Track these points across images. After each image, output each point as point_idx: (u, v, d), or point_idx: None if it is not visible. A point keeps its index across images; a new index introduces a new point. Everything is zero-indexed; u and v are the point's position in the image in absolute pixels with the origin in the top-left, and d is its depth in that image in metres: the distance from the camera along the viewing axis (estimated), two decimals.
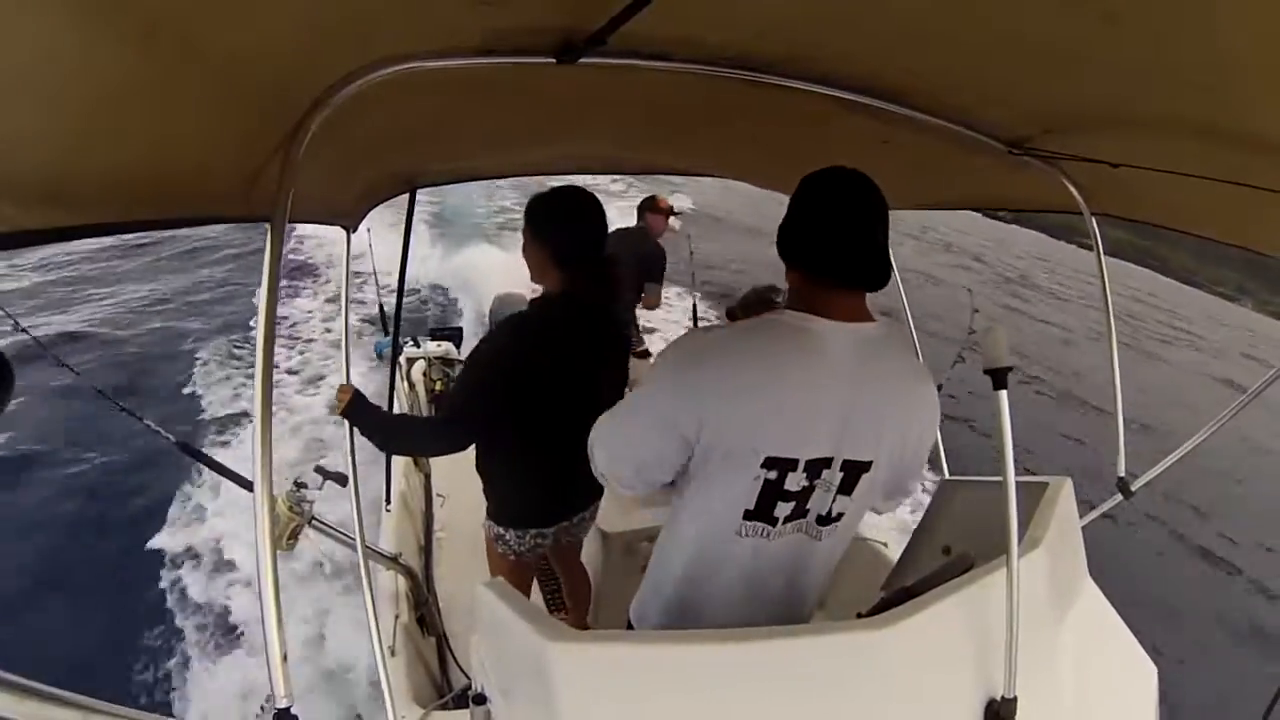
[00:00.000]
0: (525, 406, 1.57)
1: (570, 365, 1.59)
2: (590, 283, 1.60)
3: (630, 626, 1.24)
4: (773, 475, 0.97)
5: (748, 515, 1.01)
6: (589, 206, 1.58)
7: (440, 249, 8.89)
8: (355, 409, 1.56)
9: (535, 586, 2.03)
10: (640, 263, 3.64)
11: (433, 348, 4.34)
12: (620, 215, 3.06)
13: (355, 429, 1.57)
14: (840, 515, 1.06)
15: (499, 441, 1.69)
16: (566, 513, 1.86)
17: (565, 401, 1.59)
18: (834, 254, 0.95)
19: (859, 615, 1.25)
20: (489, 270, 7.28)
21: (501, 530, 1.80)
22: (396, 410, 3.17)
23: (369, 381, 4.71)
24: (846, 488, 1.03)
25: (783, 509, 1.01)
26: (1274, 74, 0.79)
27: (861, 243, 0.95)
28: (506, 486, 1.78)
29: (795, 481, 0.98)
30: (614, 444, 1.08)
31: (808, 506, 1.03)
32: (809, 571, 1.11)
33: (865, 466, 1.02)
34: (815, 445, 0.97)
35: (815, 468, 0.99)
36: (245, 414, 5.03)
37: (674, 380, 0.98)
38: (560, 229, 1.57)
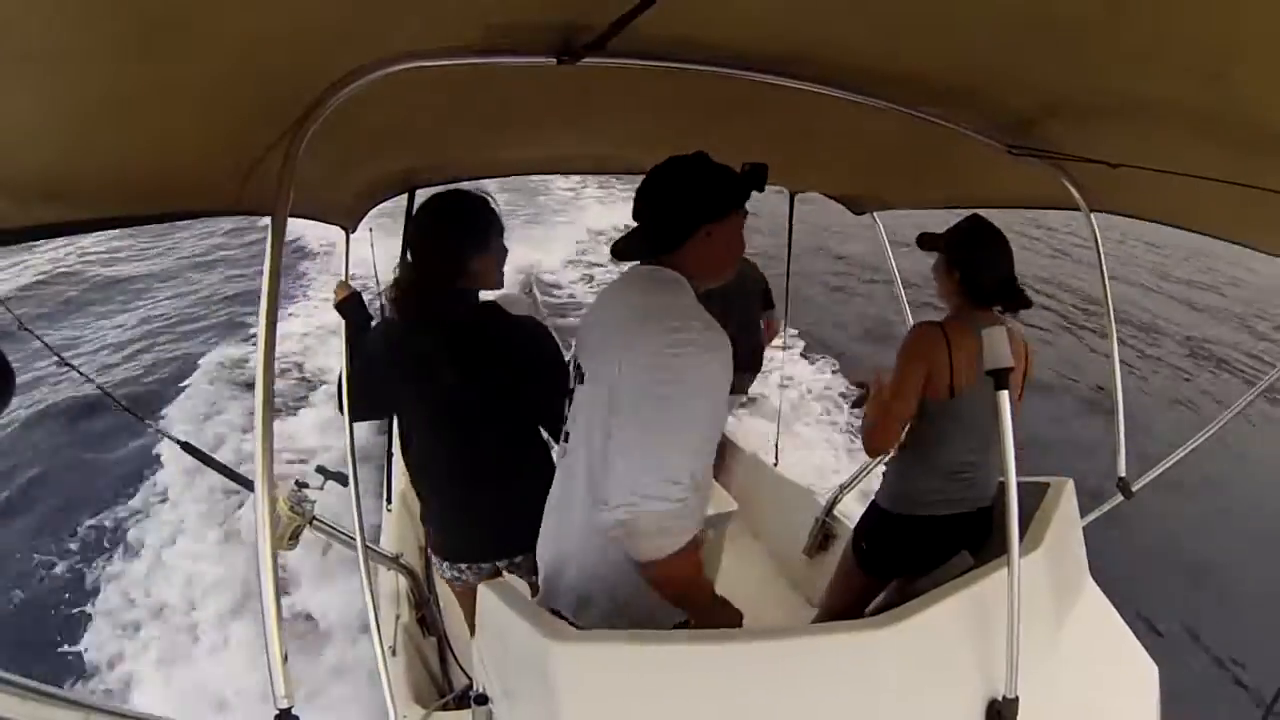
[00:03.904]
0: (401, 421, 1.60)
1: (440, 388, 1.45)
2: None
3: None
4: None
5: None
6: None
7: None
8: (349, 307, 1.68)
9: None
10: (742, 288, 2.85)
11: None
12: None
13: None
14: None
15: (411, 469, 1.63)
16: (500, 552, 1.59)
17: (437, 431, 1.52)
18: None
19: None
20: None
21: (437, 560, 1.68)
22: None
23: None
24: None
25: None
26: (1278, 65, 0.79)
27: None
28: (423, 514, 1.69)
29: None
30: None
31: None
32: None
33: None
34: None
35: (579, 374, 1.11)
36: None
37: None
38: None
